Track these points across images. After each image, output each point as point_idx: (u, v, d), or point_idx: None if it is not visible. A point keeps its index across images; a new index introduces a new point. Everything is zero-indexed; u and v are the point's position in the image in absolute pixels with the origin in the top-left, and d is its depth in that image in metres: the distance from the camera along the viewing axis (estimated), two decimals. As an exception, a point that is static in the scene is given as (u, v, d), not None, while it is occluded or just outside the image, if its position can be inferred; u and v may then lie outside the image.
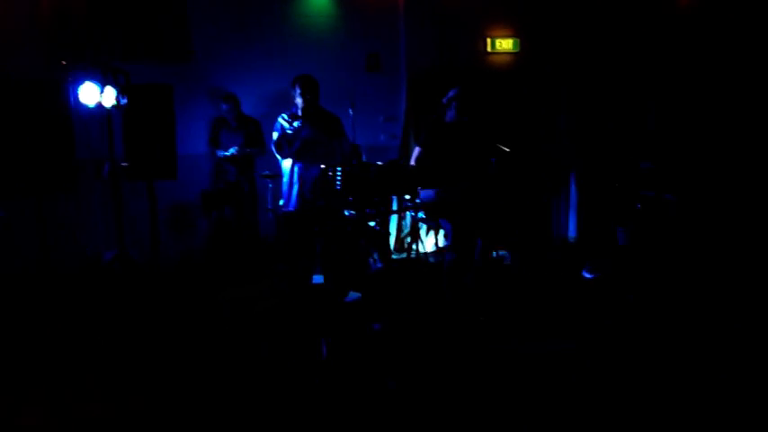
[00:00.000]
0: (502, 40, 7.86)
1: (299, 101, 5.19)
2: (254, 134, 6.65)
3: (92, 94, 5.62)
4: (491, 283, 5.66)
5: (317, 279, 6.10)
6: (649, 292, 5.71)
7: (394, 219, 7.49)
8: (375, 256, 6.55)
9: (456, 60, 7.67)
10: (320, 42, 7.37)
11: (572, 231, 8.09)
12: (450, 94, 5.20)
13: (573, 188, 8.06)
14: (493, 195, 4.99)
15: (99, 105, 5.65)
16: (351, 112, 4.81)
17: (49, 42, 6.41)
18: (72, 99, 5.50)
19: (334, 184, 4.00)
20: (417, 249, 6.52)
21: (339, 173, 3.95)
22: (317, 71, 7.16)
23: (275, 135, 5.14)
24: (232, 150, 6.46)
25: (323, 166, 4.07)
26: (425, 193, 5.10)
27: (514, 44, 7.91)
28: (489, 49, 7.84)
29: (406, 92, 7.59)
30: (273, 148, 5.13)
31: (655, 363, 4.13)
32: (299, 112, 5.14)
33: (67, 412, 3.37)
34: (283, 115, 5.27)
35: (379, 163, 4.43)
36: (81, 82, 5.59)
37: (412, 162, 5.31)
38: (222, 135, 6.65)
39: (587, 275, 6.40)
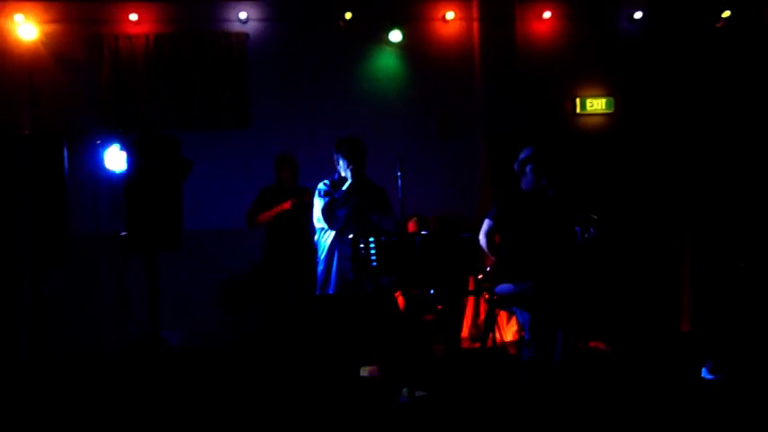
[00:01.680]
0: (593, 100, 6.97)
1: (343, 168, 4.42)
2: (307, 203, 5.89)
3: (118, 160, 5.15)
4: (579, 383, 4.55)
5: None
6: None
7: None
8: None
9: (540, 124, 6.82)
10: (387, 106, 6.77)
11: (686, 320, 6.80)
12: (522, 155, 4.34)
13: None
14: (580, 275, 4.00)
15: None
16: (399, 175, 3.98)
17: (106, 108, 6.16)
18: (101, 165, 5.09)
19: (369, 260, 3.16)
20: (494, 338, 5.52)
21: (372, 244, 3.08)
22: (384, 137, 6.64)
23: (320, 203, 4.36)
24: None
25: (351, 236, 3.22)
26: (501, 288, 4.19)
27: (608, 104, 6.99)
28: (579, 110, 6.97)
29: (484, 159, 6.78)
30: (321, 217, 4.32)
31: None
32: (346, 178, 4.37)
33: None
34: (325, 182, 4.49)
35: (425, 233, 3.55)
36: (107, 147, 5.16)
37: (481, 237, 4.44)
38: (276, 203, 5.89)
39: (708, 376, 5.14)
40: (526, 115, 6.81)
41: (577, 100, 6.95)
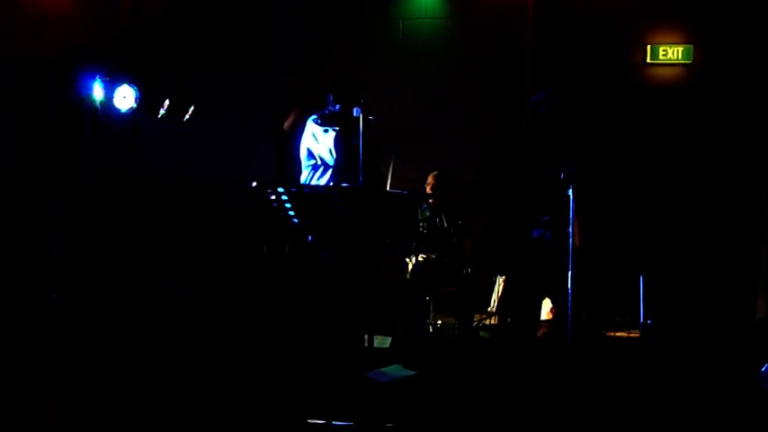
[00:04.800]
0: (668, 48, 5.95)
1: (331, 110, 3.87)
2: None
3: (126, 99, 4.90)
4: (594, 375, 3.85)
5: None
6: None
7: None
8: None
9: (602, 74, 5.92)
10: (426, 50, 6.08)
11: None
12: (539, 96, 3.65)
13: (768, 250, 5.79)
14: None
15: (132, 111, 4.94)
16: (371, 120, 3.34)
17: (122, 43, 5.87)
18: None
19: (287, 216, 2.58)
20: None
21: (283, 195, 2.49)
22: (420, 83, 6.01)
23: (322, 133, 3.73)
24: None
25: (254, 183, 2.62)
26: None
27: (686, 53, 5.94)
28: (649, 59, 5.98)
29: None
30: (333, 148, 3.73)
31: None
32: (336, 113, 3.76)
33: None
34: (314, 118, 3.85)
35: (346, 185, 2.91)
36: (118, 84, 4.90)
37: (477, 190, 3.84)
38: None
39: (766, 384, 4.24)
40: (585, 65, 5.91)
41: (648, 47, 5.95)
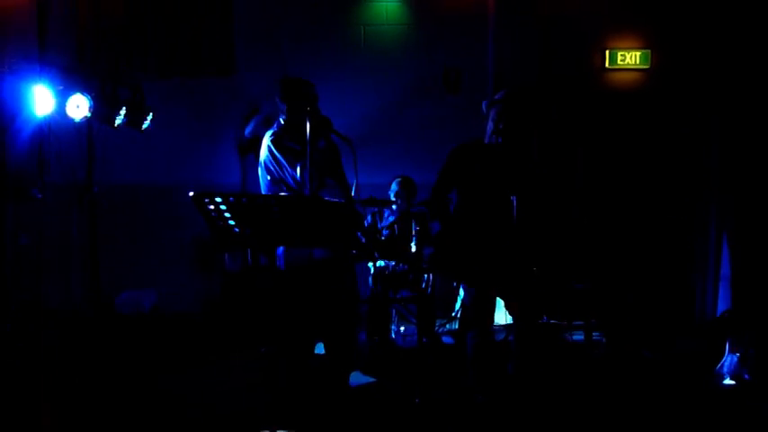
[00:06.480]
0: (626, 53, 6.02)
1: (283, 119, 3.72)
2: None
3: (80, 108, 4.82)
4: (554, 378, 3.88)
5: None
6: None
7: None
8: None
9: (561, 78, 5.98)
10: (387, 55, 6.10)
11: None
12: (496, 97, 3.67)
13: (725, 252, 5.91)
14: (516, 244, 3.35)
15: (87, 120, 4.86)
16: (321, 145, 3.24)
17: (83, 51, 5.79)
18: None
19: (227, 225, 2.55)
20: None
21: (222, 204, 2.46)
22: (382, 89, 6.04)
23: (268, 180, 3.44)
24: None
25: (191, 193, 2.58)
26: None
27: (644, 58, 6.02)
28: (608, 63, 6.04)
29: (492, 118, 6.01)
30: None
31: None
32: (292, 124, 3.62)
33: None
34: (269, 143, 3.49)
35: (284, 194, 2.91)
36: (71, 93, 4.83)
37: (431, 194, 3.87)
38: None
39: (724, 382, 4.33)
40: (545, 69, 5.98)
41: (607, 52, 6.02)
